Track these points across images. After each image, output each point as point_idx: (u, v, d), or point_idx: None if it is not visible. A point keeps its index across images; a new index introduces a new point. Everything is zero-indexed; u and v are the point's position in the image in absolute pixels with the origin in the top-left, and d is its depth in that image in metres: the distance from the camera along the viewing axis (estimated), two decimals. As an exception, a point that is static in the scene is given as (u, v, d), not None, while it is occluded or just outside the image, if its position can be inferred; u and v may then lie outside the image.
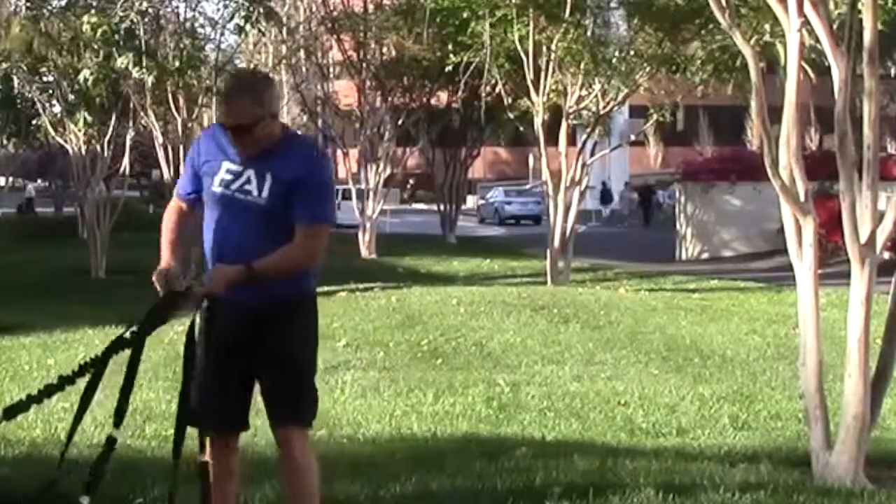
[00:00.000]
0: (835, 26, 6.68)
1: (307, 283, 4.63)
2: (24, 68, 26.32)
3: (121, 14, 22.01)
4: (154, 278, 4.49)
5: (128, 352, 4.37)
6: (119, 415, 4.34)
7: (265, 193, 4.49)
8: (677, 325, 16.13)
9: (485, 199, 54.24)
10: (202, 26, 26.58)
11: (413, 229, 40.92)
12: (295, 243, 4.48)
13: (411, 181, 55.11)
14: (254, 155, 4.51)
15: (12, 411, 4.27)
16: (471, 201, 55.37)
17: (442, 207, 38.18)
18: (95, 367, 4.29)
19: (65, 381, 4.25)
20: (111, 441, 4.29)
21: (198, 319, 4.50)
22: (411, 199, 59.65)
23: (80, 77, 22.66)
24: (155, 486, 5.50)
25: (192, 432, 4.53)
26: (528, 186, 54.76)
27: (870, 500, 5.87)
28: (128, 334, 4.36)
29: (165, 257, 4.60)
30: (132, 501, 5.29)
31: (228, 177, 4.53)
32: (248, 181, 4.51)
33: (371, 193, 31.74)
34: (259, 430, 5.34)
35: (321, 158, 4.76)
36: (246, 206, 4.50)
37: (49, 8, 25.24)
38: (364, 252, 31.06)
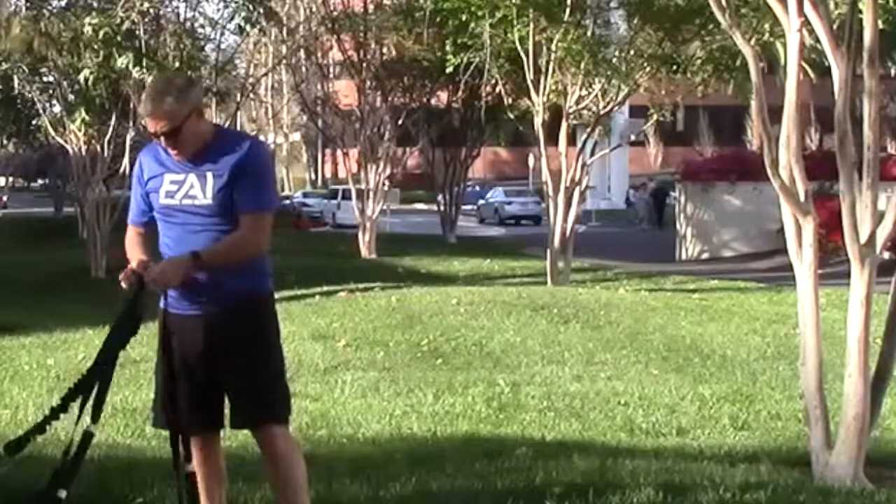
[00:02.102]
0: (835, 26, 6.68)
1: (262, 282, 4.62)
2: (24, 68, 26.32)
3: (122, 15, 21.99)
4: (124, 276, 4.48)
5: (125, 352, 4.46)
6: (96, 411, 4.35)
7: (209, 194, 4.49)
8: (677, 325, 16.12)
9: (484, 199, 54.13)
10: (202, 26, 26.60)
11: (413, 229, 40.91)
12: (240, 231, 4.48)
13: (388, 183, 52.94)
14: (190, 157, 4.51)
15: (14, 447, 4.29)
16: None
17: (442, 207, 38.18)
18: (84, 390, 4.34)
19: (59, 410, 4.29)
20: (88, 436, 4.32)
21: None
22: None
23: (80, 77, 22.66)
24: (155, 486, 5.49)
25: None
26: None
27: (870, 500, 5.87)
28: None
29: (136, 259, 4.59)
30: (132, 501, 5.29)
31: (173, 187, 4.54)
32: (192, 187, 4.51)
33: (371, 193, 31.75)
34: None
35: (259, 147, 4.71)
36: (194, 213, 4.50)
37: (49, 8, 25.22)
38: (364, 252, 31.08)
